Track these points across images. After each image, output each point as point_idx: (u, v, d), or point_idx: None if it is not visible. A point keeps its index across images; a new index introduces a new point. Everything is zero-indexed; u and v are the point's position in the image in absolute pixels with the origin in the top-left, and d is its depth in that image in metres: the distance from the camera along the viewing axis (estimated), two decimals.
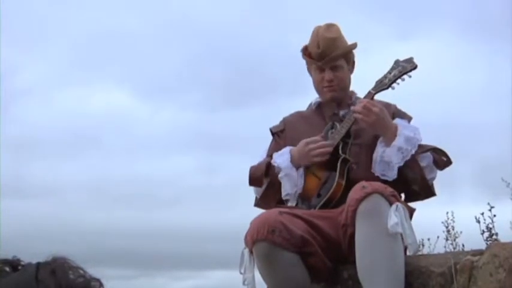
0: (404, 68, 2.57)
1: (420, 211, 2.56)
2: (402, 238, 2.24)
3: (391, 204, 2.24)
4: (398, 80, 2.58)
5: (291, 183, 2.54)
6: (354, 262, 2.26)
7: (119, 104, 10.18)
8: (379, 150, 2.48)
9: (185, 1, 9.42)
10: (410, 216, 2.43)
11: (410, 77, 2.58)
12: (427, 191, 2.54)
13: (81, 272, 0.99)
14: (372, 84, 2.62)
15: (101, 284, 1.01)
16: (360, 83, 2.76)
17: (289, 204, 2.57)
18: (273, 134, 2.80)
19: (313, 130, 2.63)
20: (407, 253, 2.38)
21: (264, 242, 2.26)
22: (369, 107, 2.46)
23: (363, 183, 2.29)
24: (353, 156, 2.53)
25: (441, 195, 2.59)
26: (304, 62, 2.75)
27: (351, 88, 2.76)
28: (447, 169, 2.55)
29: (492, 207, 3.64)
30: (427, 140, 2.52)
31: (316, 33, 2.65)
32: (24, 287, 0.94)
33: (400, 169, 2.44)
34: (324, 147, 2.52)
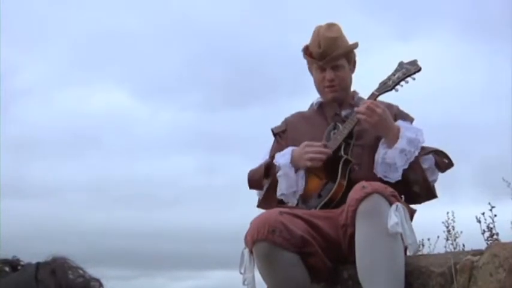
0: (408, 70, 2.56)
1: (421, 211, 2.56)
2: (402, 238, 2.24)
3: (391, 204, 2.24)
4: (402, 82, 2.57)
5: (287, 183, 2.54)
6: (354, 262, 2.26)
7: (119, 104, 10.19)
8: (381, 151, 2.48)
9: (185, 1, 9.43)
10: (411, 218, 2.44)
11: (414, 79, 2.57)
12: (428, 193, 2.53)
13: (81, 272, 0.99)
14: (372, 84, 2.62)
15: (101, 284, 1.00)
16: (360, 83, 2.76)
17: (290, 204, 2.57)
18: (274, 134, 2.80)
19: (315, 130, 2.63)
20: (408, 253, 2.38)
21: (264, 242, 2.26)
22: (372, 108, 2.46)
23: (363, 183, 2.29)
24: (355, 157, 2.53)
25: (442, 195, 2.59)
26: (305, 61, 2.74)
27: (353, 88, 2.75)
28: (448, 170, 2.56)
29: (493, 207, 3.64)
30: (428, 140, 2.52)
31: (317, 32, 2.65)
32: (24, 287, 0.94)
33: (402, 171, 2.43)
34: (319, 153, 2.51)
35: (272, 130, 2.81)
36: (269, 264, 2.30)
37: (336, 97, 2.67)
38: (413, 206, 2.53)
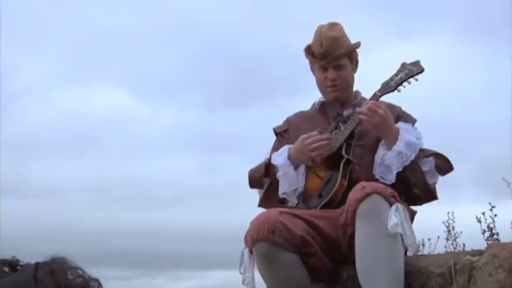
0: (411, 71, 2.56)
1: (421, 211, 2.57)
2: (402, 239, 2.24)
3: (391, 204, 2.24)
4: (405, 83, 2.56)
5: (288, 182, 2.54)
6: (353, 263, 2.26)
7: (118, 104, 10.19)
8: (380, 152, 2.48)
9: (185, 1, 9.43)
10: (412, 219, 2.44)
11: (416, 80, 2.57)
12: (428, 195, 2.53)
13: (80, 272, 0.99)
14: (372, 84, 2.61)
15: (100, 284, 1.00)
16: (360, 82, 2.76)
17: (290, 203, 2.56)
18: (276, 133, 2.79)
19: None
20: (407, 254, 2.38)
21: (264, 242, 2.26)
22: (374, 108, 2.45)
23: (363, 183, 2.29)
24: (356, 158, 2.52)
25: (442, 195, 2.59)
26: (305, 61, 2.74)
27: (355, 88, 2.75)
28: (448, 173, 2.55)
29: (493, 206, 3.64)
30: (427, 140, 2.52)
31: (320, 32, 2.64)
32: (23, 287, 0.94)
33: (402, 173, 2.43)
34: (320, 140, 2.50)
35: (274, 129, 2.80)
36: (269, 264, 2.30)
37: (338, 97, 2.67)
38: (413, 207, 2.53)
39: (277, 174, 2.55)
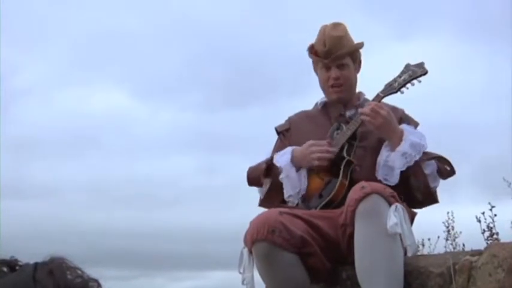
0: (414, 72, 2.55)
1: (421, 211, 2.57)
2: (401, 239, 2.24)
3: (390, 204, 2.24)
4: (408, 85, 2.56)
5: (292, 185, 2.54)
6: (352, 263, 2.26)
7: (118, 104, 10.19)
8: (384, 154, 2.47)
9: (185, 1, 9.43)
10: (412, 221, 2.44)
11: (420, 82, 2.56)
12: (429, 199, 2.53)
13: (79, 272, 0.99)
14: (371, 84, 2.61)
15: (99, 285, 1.00)
16: (359, 82, 2.75)
17: (290, 203, 2.56)
18: (278, 133, 2.79)
19: (319, 130, 2.62)
20: (407, 254, 2.38)
21: (263, 242, 2.26)
22: (377, 109, 2.45)
23: (362, 183, 2.28)
24: (357, 159, 2.52)
25: (441, 195, 2.59)
26: (305, 61, 2.74)
27: (358, 89, 2.75)
28: (450, 178, 2.54)
29: (493, 206, 3.64)
30: (428, 140, 2.51)
31: (323, 31, 2.64)
32: None
33: (403, 175, 2.43)
34: (326, 152, 2.50)
35: (276, 129, 2.80)
36: (268, 265, 2.30)
37: (341, 97, 2.67)
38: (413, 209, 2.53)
39: (280, 177, 2.55)
